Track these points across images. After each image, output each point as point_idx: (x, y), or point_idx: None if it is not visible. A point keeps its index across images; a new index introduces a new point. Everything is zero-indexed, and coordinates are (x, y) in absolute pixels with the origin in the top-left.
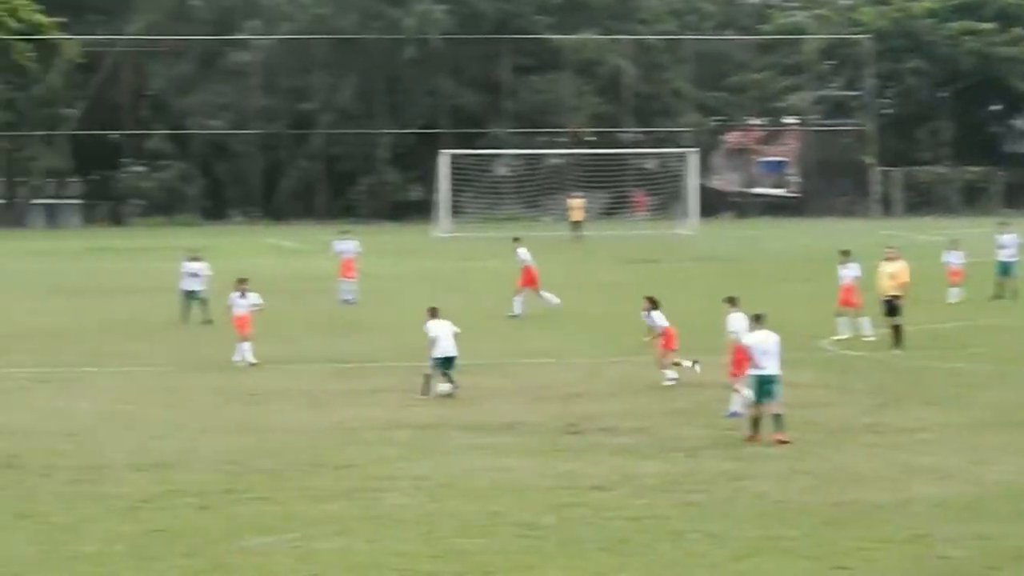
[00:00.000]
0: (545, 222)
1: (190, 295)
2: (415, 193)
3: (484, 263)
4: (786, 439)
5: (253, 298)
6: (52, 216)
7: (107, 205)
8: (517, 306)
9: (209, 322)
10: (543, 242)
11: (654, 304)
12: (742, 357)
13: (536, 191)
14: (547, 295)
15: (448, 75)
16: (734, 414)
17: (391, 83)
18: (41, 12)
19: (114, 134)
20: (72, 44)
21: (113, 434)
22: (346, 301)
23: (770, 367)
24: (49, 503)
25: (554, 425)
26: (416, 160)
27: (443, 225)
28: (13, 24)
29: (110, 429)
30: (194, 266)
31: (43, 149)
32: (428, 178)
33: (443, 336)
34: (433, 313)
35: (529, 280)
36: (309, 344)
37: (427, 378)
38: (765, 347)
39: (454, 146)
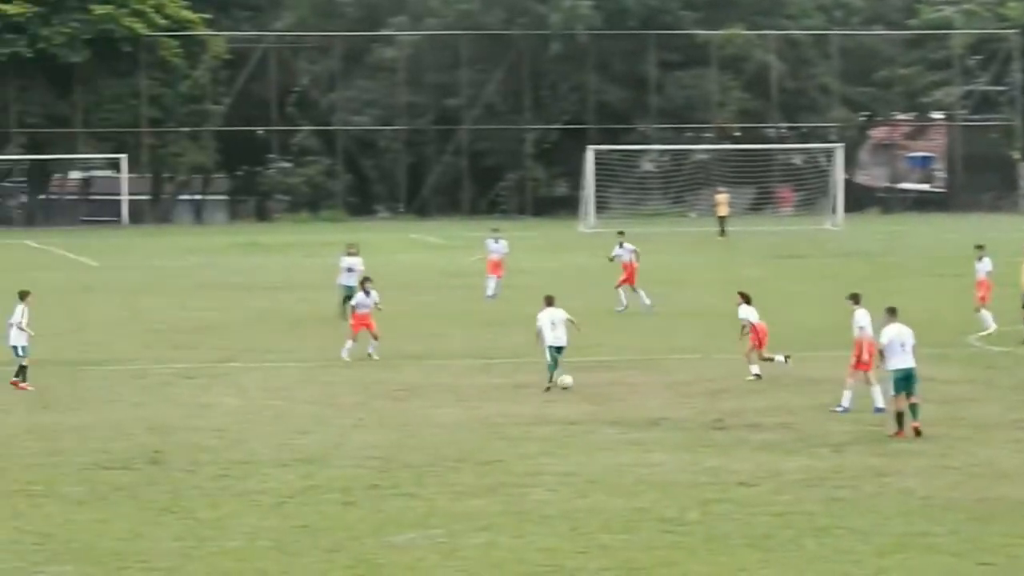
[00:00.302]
0: (691, 218)
1: (347, 290)
2: (560, 189)
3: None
4: (919, 427)
5: (375, 296)
6: (198, 212)
7: (253, 201)
8: (622, 299)
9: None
10: (689, 238)
11: (746, 299)
12: (868, 353)
13: (681, 187)
14: (642, 293)
15: (594, 71)
16: (844, 409)
17: (537, 79)
18: (188, 8)
19: (260, 130)
20: (219, 40)
21: (258, 430)
22: (490, 297)
23: (906, 361)
24: (194, 499)
25: (700, 421)
26: (562, 156)
27: (589, 221)
28: (160, 20)
29: (255, 425)
30: (351, 261)
31: (189, 145)
32: (573, 174)
33: (555, 324)
34: (549, 302)
35: (628, 276)
36: (454, 340)
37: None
38: (901, 340)
39: (600, 142)
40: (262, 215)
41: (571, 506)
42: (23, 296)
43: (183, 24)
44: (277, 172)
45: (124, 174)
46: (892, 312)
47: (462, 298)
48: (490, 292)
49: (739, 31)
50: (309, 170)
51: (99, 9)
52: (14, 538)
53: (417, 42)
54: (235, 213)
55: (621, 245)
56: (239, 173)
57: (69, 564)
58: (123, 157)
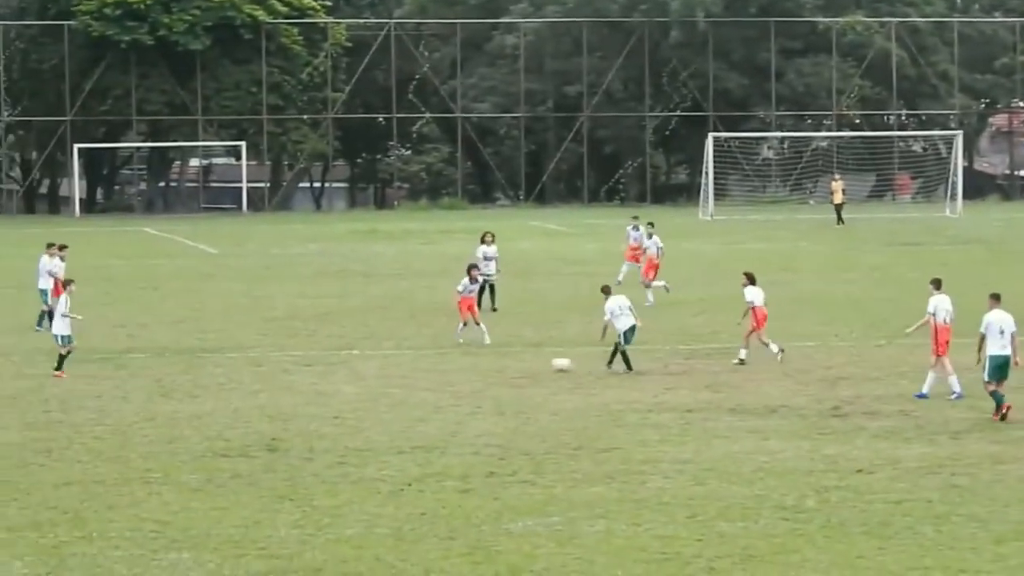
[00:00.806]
0: (810, 205)
1: (487, 279)
2: (680, 176)
3: (748, 246)
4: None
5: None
6: (317, 200)
7: (372, 189)
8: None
9: (494, 310)
10: (808, 225)
11: (752, 280)
12: (943, 340)
13: (800, 174)
14: (658, 285)
15: (714, 57)
16: (922, 395)
17: (657, 66)
18: None
19: (380, 117)
20: (339, 27)
21: (376, 417)
22: (619, 283)
23: (1004, 348)
24: (312, 486)
25: (818, 408)
26: (681, 143)
27: (708, 208)
28: (281, 8)
29: (373, 412)
30: (489, 250)
31: (309, 133)
32: (693, 161)
33: (621, 311)
34: (606, 291)
35: (648, 268)
36: (572, 327)
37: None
38: (1001, 326)
39: (719, 129)
40: (381, 203)
41: (688, 493)
42: (66, 284)
43: (304, 11)
44: (397, 160)
45: (244, 161)
46: (996, 298)
47: (580, 285)
48: (620, 278)
49: (860, 18)
50: (429, 158)
51: None
52: (133, 525)
53: (538, 29)
54: (354, 201)
55: (650, 236)
56: (359, 161)
57: (187, 551)
58: (243, 144)
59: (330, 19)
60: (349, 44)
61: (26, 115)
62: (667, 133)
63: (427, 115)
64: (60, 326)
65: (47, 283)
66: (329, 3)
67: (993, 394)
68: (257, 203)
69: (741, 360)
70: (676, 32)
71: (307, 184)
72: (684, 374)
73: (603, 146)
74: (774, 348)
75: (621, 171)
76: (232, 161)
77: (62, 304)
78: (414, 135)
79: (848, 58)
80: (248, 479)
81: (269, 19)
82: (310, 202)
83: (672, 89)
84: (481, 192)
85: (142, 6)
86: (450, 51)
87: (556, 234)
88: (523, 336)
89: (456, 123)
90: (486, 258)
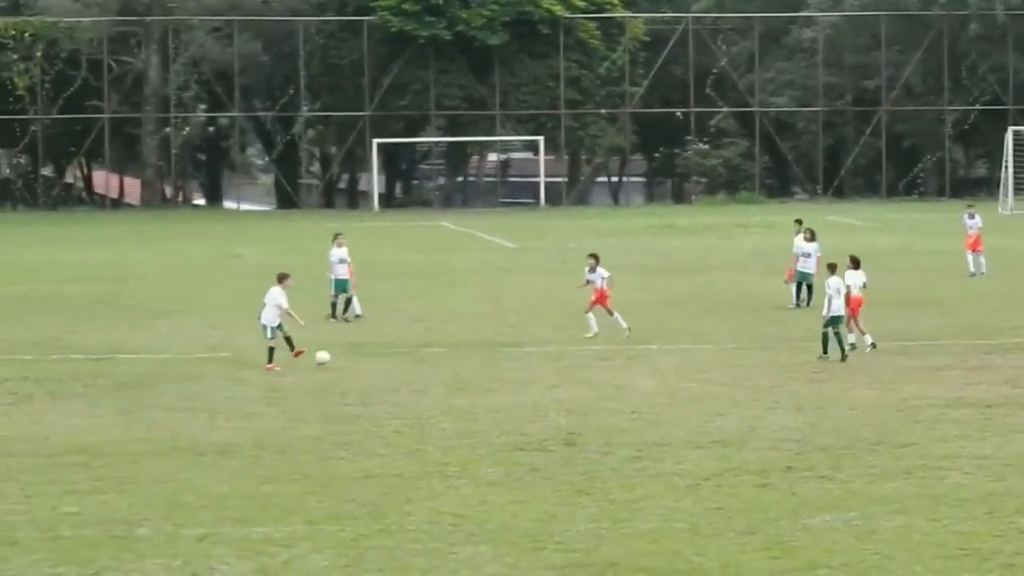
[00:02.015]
0: None
1: (804, 277)
2: (979, 170)
3: None
4: None
5: (601, 272)
6: (615, 194)
7: (670, 183)
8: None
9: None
10: None
11: (856, 264)
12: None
13: None
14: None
15: (1014, 50)
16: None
17: (956, 59)
18: None
19: (678, 112)
20: (637, 22)
21: (674, 412)
22: (972, 275)
23: None
24: (609, 480)
25: None
26: (981, 137)
27: (1008, 203)
28: (579, 2)
29: (671, 407)
30: (809, 246)
31: (607, 127)
32: (993, 155)
33: (836, 294)
34: (832, 269)
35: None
36: (871, 321)
37: (824, 337)
38: None
39: (1020, 122)
40: (679, 197)
41: (987, 489)
42: (284, 278)
43: (602, 6)
44: (694, 154)
45: (541, 156)
46: None
47: (879, 280)
48: (973, 270)
49: None
50: (726, 152)
51: None
52: (431, 518)
53: (836, 23)
54: (652, 195)
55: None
56: (656, 155)
57: (484, 545)
58: (540, 139)
59: (628, 14)
60: (647, 38)
61: (325, 110)
62: (966, 127)
63: (725, 109)
64: (270, 316)
65: (342, 271)
66: None
67: None
68: (554, 197)
69: (852, 345)
70: (975, 25)
71: (605, 178)
72: (983, 369)
73: (902, 140)
74: (868, 340)
75: (920, 165)
76: (530, 156)
77: (281, 297)
78: (712, 129)
79: None
80: (545, 473)
81: (567, 14)
82: (607, 196)
83: (971, 82)
84: (779, 186)
85: (441, 1)
86: (748, 45)
87: (854, 229)
88: (821, 331)
89: (754, 117)
90: (804, 255)
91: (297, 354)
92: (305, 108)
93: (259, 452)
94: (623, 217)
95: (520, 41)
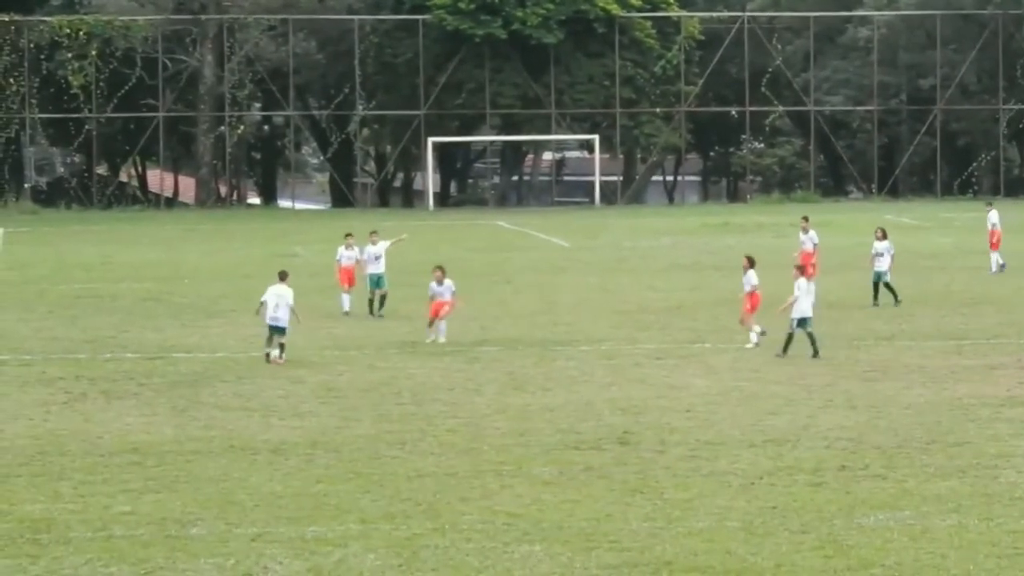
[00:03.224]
0: None
1: (878, 276)
2: None
3: None
4: None
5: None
6: (670, 193)
7: (725, 182)
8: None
9: (875, 304)
10: None
11: (752, 263)
12: None
13: None
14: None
15: None
16: None
17: (1011, 58)
18: None
19: (733, 111)
20: (692, 21)
21: (728, 410)
22: (994, 272)
23: None
24: (663, 479)
25: None
26: None
27: None
28: (634, 1)
29: (725, 405)
30: (882, 245)
31: (662, 126)
32: None
33: (804, 295)
34: (801, 271)
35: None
36: (925, 320)
37: (788, 337)
38: None
39: None
40: (734, 196)
41: None
42: (283, 277)
43: (657, 5)
44: (749, 152)
45: (597, 155)
46: None
47: (934, 279)
48: (993, 268)
49: None
50: (781, 151)
51: None
52: (485, 518)
53: (891, 22)
54: (707, 194)
55: (806, 231)
56: (711, 154)
57: (538, 544)
58: (596, 138)
59: (683, 12)
60: (702, 37)
61: (381, 109)
62: (1021, 126)
63: (780, 108)
64: (285, 316)
65: (376, 268)
66: None
67: None
68: (609, 196)
69: (756, 344)
70: None
71: (660, 177)
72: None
73: (956, 139)
74: (756, 330)
75: (975, 164)
76: (585, 154)
77: (290, 295)
78: (767, 128)
79: None
80: (599, 472)
81: (622, 13)
82: (663, 195)
83: None
84: (833, 185)
85: (496, 0)
86: (803, 44)
87: (909, 228)
88: (875, 329)
89: (809, 116)
90: (878, 254)
91: (271, 360)
92: (360, 107)
93: (313, 451)
94: (678, 216)
95: (575, 40)
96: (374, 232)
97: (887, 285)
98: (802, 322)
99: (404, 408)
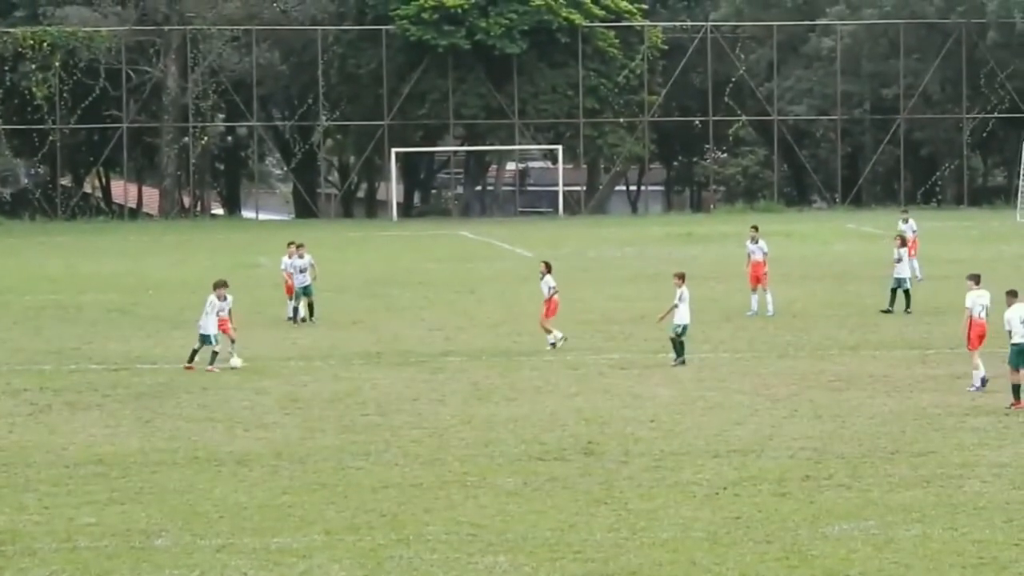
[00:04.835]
0: None
1: (899, 283)
2: (997, 178)
3: None
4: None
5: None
6: (634, 203)
7: (688, 191)
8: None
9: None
10: None
11: (549, 269)
12: (975, 334)
13: None
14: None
15: None
16: (984, 383)
17: (974, 67)
18: None
19: (697, 120)
20: (656, 30)
21: (692, 420)
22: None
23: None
24: (627, 489)
25: None
26: (999, 144)
27: None
28: (598, 11)
29: (690, 415)
30: (900, 251)
31: (625, 136)
32: (1011, 162)
33: (683, 304)
34: (682, 278)
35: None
36: (889, 329)
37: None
38: (1021, 317)
39: None
40: (697, 206)
41: (1006, 498)
42: (217, 286)
43: (620, 14)
44: (713, 162)
45: (560, 165)
46: (1013, 294)
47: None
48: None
49: None
50: (745, 160)
51: (537, 0)
52: (449, 528)
53: (854, 31)
54: (670, 203)
55: (755, 241)
56: (675, 163)
57: (502, 555)
58: (559, 148)
59: (646, 22)
60: (665, 47)
61: (344, 119)
62: (985, 135)
63: (743, 118)
64: (209, 326)
65: (303, 280)
66: (645, 6)
67: (1015, 386)
68: (573, 206)
69: (553, 344)
70: (994, 33)
71: (623, 187)
72: (1002, 377)
73: (920, 148)
74: (557, 336)
75: (938, 173)
76: (548, 164)
77: (220, 304)
78: (730, 138)
79: None
80: (564, 482)
81: (586, 22)
82: (626, 205)
83: (990, 90)
84: (797, 194)
85: (460, 10)
86: (766, 53)
87: (873, 237)
88: (839, 339)
89: (772, 125)
90: (897, 260)
91: (192, 367)
92: (324, 117)
93: (277, 462)
94: (642, 226)
95: (539, 50)
96: (301, 245)
97: (906, 292)
98: (683, 328)
99: (369, 419)
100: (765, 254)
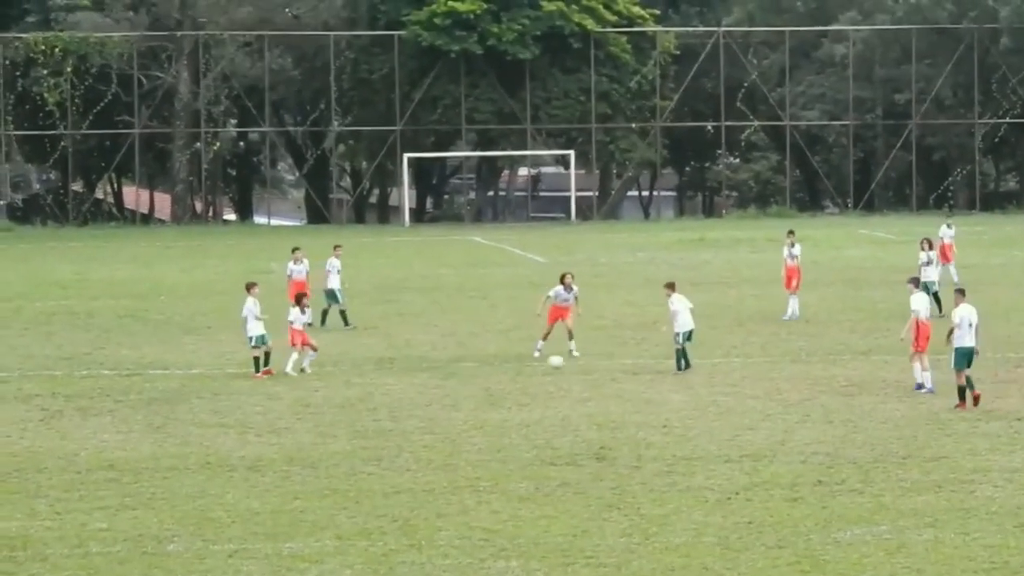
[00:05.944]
0: None
1: (927, 287)
2: (1010, 183)
3: None
4: (976, 394)
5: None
6: (645, 208)
7: (701, 196)
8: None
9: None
10: None
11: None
12: (919, 335)
13: None
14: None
15: None
16: (920, 387)
17: (986, 72)
18: (637, 4)
19: (709, 125)
20: (668, 36)
21: (705, 425)
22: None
23: (969, 340)
24: (639, 494)
25: None
26: (1011, 149)
27: None
28: (610, 16)
29: (702, 420)
30: (922, 256)
31: (638, 141)
32: (1023, 168)
33: (682, 310)
34: (672, 287)
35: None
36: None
37: (678, 353)
38: (969, 320)
39: None
40: (709, 211)
41: (1018, 502)
42: (249, 288)
43: (632, 20)
44: (725, 168)
45: (572, 170)
46: (961, 293)
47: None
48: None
49: None
50: (757, 166)
51: (549, 6)
52: (462, 534)
53: (867, 37)
54: (683, 209)
55: (792, 245)
56: (687, 169)
57: (515, 560)
58: (571, 153)
59: (659, 27)
60: (678, 52)
61: (356, 125)
62: (996, 140)
63: (755, 123)
64: (254, 328)
65: (334, 282)
66: (657, 12)
67: (960, 388)
68: (585, 212)
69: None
70: (1006, 38)
71: (635, 192)
72: (1013, 382)
73: (932, 153)
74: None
75: (950, 179)
76: (561, 170)
77: (253, 307)
78: (742, 143)
79: None
80: (576, 487)
81: (598, 28)
82: (638, 210)
83: (1002, 95)
84: (809, 200)
85: (472, 16)
86: (778, 58)
87: (885, 242)
88: (851, 344)
89: (785, 131)
90: (924, 264)
91: (264, 374)
92: (336, 123)
93: (289, 467)
94: (654, 231)
95: (551, 55)
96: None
97: (935, 295)
98: (687, 336)
99: (381, 424)
100: (795, 258)
